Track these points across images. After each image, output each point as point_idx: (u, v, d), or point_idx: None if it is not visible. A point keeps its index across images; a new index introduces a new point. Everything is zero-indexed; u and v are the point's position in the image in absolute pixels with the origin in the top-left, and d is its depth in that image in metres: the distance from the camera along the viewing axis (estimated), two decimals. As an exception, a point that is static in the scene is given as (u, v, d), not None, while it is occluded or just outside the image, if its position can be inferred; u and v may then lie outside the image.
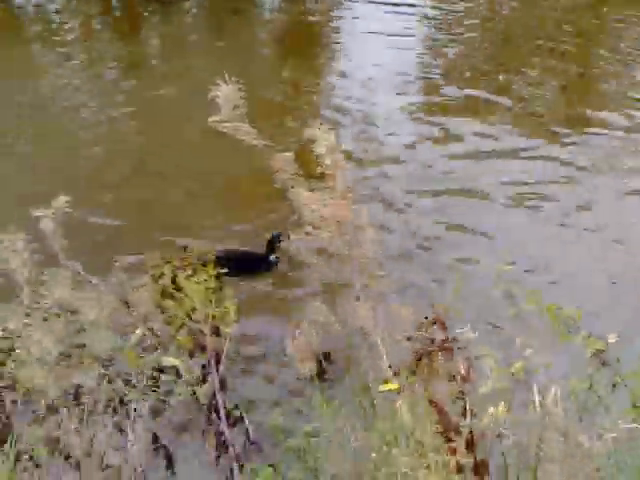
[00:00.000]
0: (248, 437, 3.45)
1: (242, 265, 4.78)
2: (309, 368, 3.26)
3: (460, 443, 1.75)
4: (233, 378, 3.68)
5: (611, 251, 5.24)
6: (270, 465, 3.05)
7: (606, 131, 6.88)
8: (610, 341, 2.32)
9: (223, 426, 3.15)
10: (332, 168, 2.90)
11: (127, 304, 3.30)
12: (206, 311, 3.47)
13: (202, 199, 5.68)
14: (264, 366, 4.12)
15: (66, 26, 9.92)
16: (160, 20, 10.22)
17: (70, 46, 9.26)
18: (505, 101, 7.59)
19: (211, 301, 3.57)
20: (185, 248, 3.70)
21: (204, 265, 3.90)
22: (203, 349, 3.55)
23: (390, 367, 2.11)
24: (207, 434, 3.32)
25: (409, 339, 1.99)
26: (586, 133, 6.90)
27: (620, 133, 6.87)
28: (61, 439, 2.49)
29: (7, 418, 2.61)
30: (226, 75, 2.80)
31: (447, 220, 5.49)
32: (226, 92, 2.81)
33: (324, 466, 2.97)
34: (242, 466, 3.05)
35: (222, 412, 3.17)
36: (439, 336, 1.96)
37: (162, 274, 3.76)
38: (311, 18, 10.27)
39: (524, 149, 6.64)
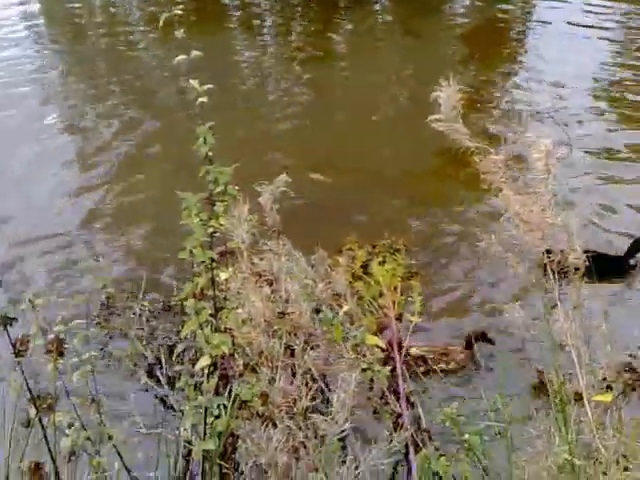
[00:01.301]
0: (419, 424, 3.58)
1: (602, 265, 4.87)
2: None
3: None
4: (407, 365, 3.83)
5: None
6: (442, 455, 3.15)
7: None
8: None
9: (402, 408, 3.29)
10: (544, 173, 2.92)
11: (323, 281, 3.56)
12: (392, 297, 3.64)
13: (404, 195, 5.79)
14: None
15: (266, 18, 10.60)
16: (352, 17, 10.53)
17: (266, 35, 9.89)
18: None
19: (396, 288, 3.74)
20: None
21: (394, 254, 4.10)
22: (383, 332, 3.74)
23: (604, 379, 2.12)
24: (383, 414, 3.50)
25: (631, 355, 1.99)
26: None
27: None
28: (270, 395, 2.75)
29: (224, 369, 2.93)
30: (450, 76, 2.90)
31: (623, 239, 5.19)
32: (447, 93, 2.91)
33: (495, 466, 3.03)
34: (417, 451, 3.17)
35: (402, 394, 3.32)
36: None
37: (355, 257, 4.02)
38: (504, 16, 10.08)
39: None
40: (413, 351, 4.09)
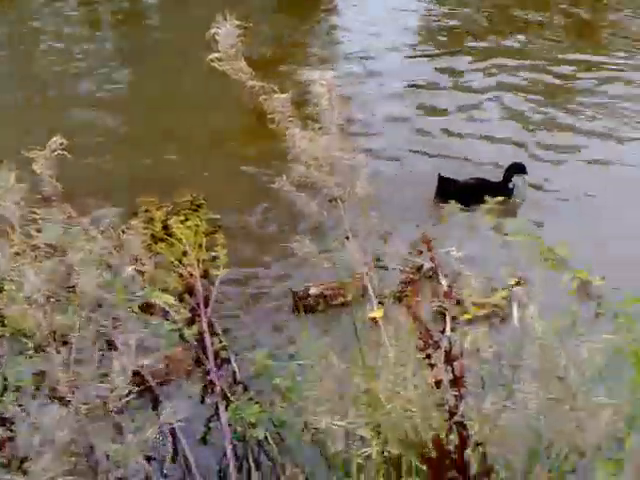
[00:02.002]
0: (235, 378, 3.52)
1: (480, 193, 4.89)
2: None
3: (439, 358, 1.81)
4: (221, 320, 3.74)
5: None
6: (256, 403, 3.11)
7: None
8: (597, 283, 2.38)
9: (210, 366, 3.20)
10: (328, 108, 2.90)
11: (118, 246, 3.31)
12: (196, 255, 3.50)
13: (197, 142, 5.71)
14: (251, 306, 4.19)
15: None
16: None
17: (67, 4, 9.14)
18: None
19: (201, 245, 3.60)
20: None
21: (196, 210, 3.92)
22: (192, 292, 3.60)
23: (377, 297, 2.17)
24: (193, 374, 3.40)
25: (400, 270, 2.05)
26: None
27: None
28: (48, 374, 2.52)
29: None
30: (227, 14, 2.77)
31: (446, 162, 5.51)
32: (225, 30, 2.78)
33: (308, 402, 3.05)
34: (227, 404, 3.10)
35: (210, 352, 3.22)
36: (427, 261, 2.02)
37: (153, 218, 3.78)
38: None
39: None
40: (312, 291, 4.23)
